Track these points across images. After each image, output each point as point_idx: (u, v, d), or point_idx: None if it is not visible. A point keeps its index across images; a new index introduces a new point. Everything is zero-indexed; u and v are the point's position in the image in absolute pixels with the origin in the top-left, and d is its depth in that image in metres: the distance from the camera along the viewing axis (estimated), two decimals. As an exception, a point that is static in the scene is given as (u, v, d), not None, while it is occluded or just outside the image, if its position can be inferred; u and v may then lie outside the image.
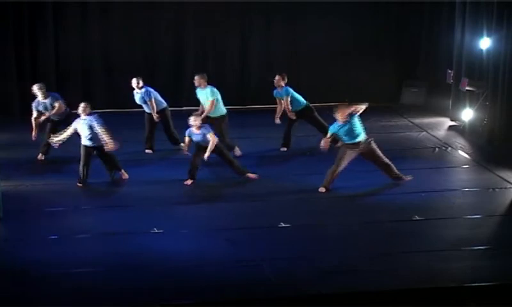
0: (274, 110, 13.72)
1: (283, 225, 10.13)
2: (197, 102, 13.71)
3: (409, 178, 11.82)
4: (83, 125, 11.77)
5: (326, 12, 17.17)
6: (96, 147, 11.80)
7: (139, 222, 10.23)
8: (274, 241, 9.68)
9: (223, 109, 13.09)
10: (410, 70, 17.93)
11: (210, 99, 12.93)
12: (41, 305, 7.89)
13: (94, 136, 11.72)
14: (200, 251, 9.30)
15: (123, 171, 12.05)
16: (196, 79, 13.25)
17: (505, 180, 12.02)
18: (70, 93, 16.98)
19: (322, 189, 11.52)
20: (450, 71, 16.28)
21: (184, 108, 15.98)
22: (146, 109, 13.71)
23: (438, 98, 16.88)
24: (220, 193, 11.54)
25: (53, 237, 9.65)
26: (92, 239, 9.66)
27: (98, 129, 11.62)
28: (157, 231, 9.87)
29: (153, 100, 13.51)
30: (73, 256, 9.10)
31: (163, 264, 8.88)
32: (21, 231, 9.87)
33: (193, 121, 11.74)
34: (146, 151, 13.68)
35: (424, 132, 15.21)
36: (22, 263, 8.88)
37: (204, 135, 11.67)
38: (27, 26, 16.47)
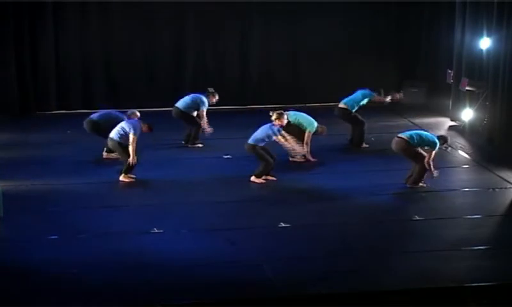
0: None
1: (283, 225, 10.13)
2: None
3: (425, 185, 11.76)
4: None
5: (326, 12, 17.17)
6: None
7: (139, 222, 10.23)
8: (274, 241, 9.68)
9: None
10: (410, 70, 17.93)
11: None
12: (41, 305, 7.89)
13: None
14: (199, 251, 9.30)
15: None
16: None
17: (505, 180, 12.02)
18: (70, 92, 17.05)
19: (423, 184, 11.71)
20: (450, 71, 16.29)
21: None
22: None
23: (438, 98, 16.88)
24: (220, 193, 11.53)
25: (53, 237, 9.65)
26: (92, 239, 9.65)
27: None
28: (157, 231, 9.87)
29: None
30: (73, 256, 9.10)
31: (163, 264, 8.88)
32: (21, 231, 9.86)
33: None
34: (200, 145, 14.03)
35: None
36: (22, 263, 8.88)
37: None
38: (27, 26, 16.46)
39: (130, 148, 11.81)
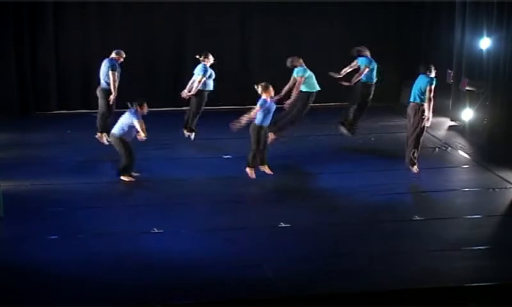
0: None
1: (283, 225, 10.13)
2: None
3: (416, 171, 11.99)
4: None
5: (326, 12, 17.17)
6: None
7: (139, 222, 10.23)
8: (274, 241, 9.68)
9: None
10: (410, 70, 17.90)
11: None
12: (41, 305, 7.89)
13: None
14: (199, 251, 9.31)
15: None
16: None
17: (505, 180, 12.03)
18: (70, 92, 17.04)
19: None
20: (450, 71, 16.28)
21: (184, 108, 15.97)
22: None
23: (438, 98, 16.87)
24: (220, 193, 11.53)
25: (53, 237, 9.66)
26: (92, 239, 9.66)
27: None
28: (157, 231, 9.88)
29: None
30: (73, 256, 9.10)
31: (163, 264, 8.88)
32: (21, 231, 9.87)
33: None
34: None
35: (424, 132, 15.19)
36: (22, 263, 8.88)
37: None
38: (27, 26, 16.45)
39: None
